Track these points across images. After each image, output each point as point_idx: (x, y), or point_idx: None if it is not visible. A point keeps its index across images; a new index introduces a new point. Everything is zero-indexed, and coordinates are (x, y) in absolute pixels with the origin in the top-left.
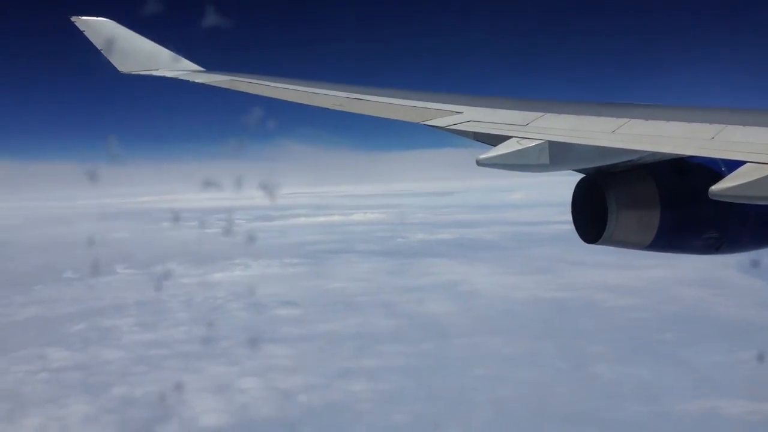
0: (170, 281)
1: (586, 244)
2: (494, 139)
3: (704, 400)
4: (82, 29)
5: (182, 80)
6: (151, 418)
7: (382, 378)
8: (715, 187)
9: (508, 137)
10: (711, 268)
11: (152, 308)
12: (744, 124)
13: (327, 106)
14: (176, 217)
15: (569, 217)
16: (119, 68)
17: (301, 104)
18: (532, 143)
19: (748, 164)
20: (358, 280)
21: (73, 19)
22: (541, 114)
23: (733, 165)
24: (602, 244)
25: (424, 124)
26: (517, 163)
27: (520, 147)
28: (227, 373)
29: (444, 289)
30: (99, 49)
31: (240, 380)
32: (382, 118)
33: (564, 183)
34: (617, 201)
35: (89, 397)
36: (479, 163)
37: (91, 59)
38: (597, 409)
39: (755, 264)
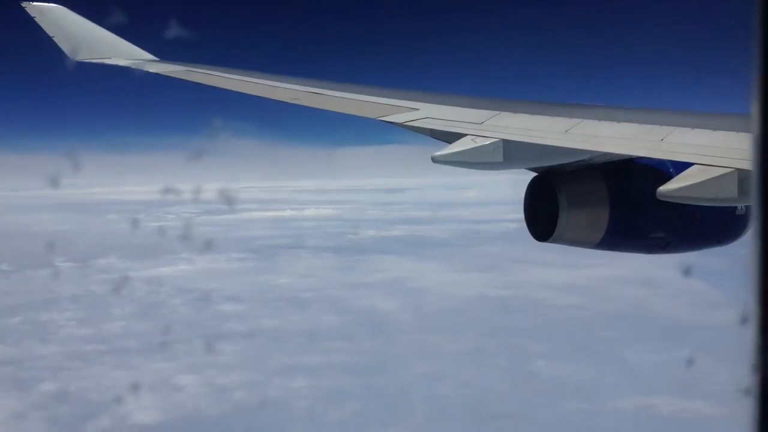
0: (112, 275)
1: (536, 241)
2: (450, 137)
3: (639, 397)
4: (33, 15)
5: (136, 69)
6: (82, 414)
7: (322, 375)
8: (663, 188)
9: (463, 135)
10: (654, 268)
11: (91, 302)
12: (692, 127)
13: (284, 99)
14: (122, 209)
15: (520, 215)
16: (71, 56)
17: (257, 97)
18: (487, 141)
19: (695, 166)
20: (305, 276)
21: (24, 4)
22: (497, 113)
23: (681, 166)
24: (553, 242)
25: (381, 120)
26: (472, 160)
27: (475, 145)
28: (164, 369)
29: (391, 287)
30: (51, 36)
31: (177, 377)
32: (339, 113)
33: (518, 181)
34: (568, 200)
35: (19, 392)
36: (435, 160)
37: (42, 47)
38: (533, 407)
39: (687, 272)
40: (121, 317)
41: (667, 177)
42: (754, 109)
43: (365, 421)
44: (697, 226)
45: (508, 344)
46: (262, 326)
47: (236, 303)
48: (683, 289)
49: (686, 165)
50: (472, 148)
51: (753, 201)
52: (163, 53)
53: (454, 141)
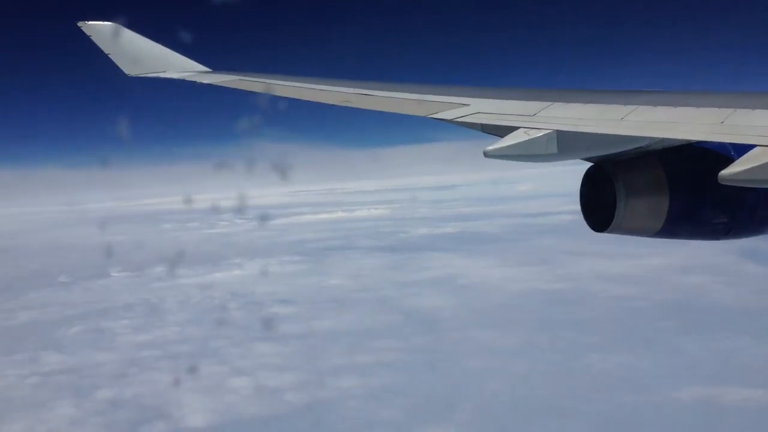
0: (167, 283)
1: (593, 232)
2: (502, 131)
3: (700, 388)
4: (89, 34)
5: (189, 81)
6: (138, 419)
7: (373, 374)
8: (725, 172)
9: (515, 128)
10: (712, 254)
11: (147, 310)
12: (753, 108)
13: (335, 103)
14: (177, 218)
15: (573, 207)
16: (126, 71)
17: (309, 101)
18: (540, 133)
19: (757, 148)
20: (356, 277)
21: (80, 24)
22: (549, 104)
23: (743, 149)
24: (611, 232)
25: (432, 117)
26: (525, 153)
27: (528, 137)
28: (218, 372)
29: (442, 284)
30: (106, 53)
31: (230, 380)
32: (390, 113)
33: (572, 172)
34: (626, 188)
35: (78, 400)
36: (487, 154)
37: (99, 63)
38: (587, 401)
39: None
40: (176, 323)
41: (729, 160)
42: None
43: (416, 419)
44: (762, 209)
45: (562, 338)
46: (313, 327)
47: (288, 305)
48: (742, 275)
49: (748, 147)
50: (525, 141)
51: None
52: (215, 64)
53: (506, 135)
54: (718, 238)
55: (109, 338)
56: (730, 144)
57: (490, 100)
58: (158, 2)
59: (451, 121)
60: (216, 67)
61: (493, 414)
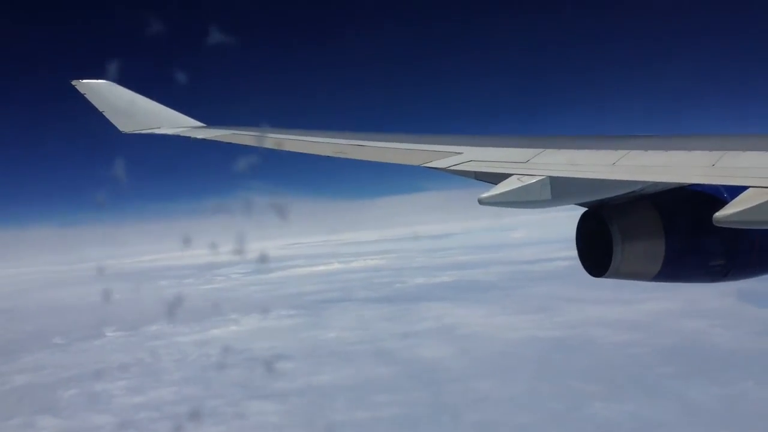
0: (163, 341)
1: (590, 278)
2: (495, 178)
3: None
4: (83, 92)
5: (184, 137)
6: None
7: (372, 430)
8: (719, 214)
9: (509, 175)
10: (710, 298)
11: (143, 370)
12: (743, 150)
13: (328, 154)
14: (172, 275)
15: (569, 254)
16: (121, 128)
17: (302, 154)
18: (534, 179)
19: (750, 189)
20: (354, 329)
21: (74, 82)
22: (541, 150)
23: (736, 191)
24: (609, 277)
25: (425, 167)
26: (519, 199)
27: (522, 184)
28: None
29: (440, 334)
30: (100, 110)
31: None
32: (383, 163)
33: (567, 218)
34: (622, 233)
35: None
36: (481, 202)
37: (93, 121)
38: None
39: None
40: (172, 383)
41: (722, 202)
42: None
43: None
44: (758, 250)
45: (563, 386)
46: (312, 382)
47: (286, 360)
48: (741, 318)
49: (741, 189)
50: (519, 188)
51: None
52: (208, 118)
53: (499, 182)
54: (716, 281)
55: (105, 400)
56: (723, 186)
57: (483, 148)
58: (152, 49)
59: (444, 170)
60: (210, 118)
61: None
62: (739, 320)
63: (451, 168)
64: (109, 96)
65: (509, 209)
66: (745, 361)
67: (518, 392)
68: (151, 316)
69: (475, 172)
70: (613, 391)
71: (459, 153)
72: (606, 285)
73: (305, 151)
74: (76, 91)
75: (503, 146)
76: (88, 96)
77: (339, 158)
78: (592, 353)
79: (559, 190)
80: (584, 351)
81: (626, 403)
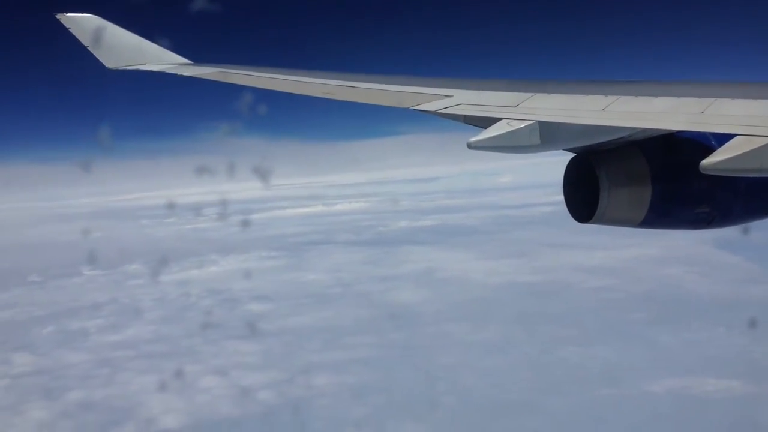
0: (143, 280)
1: (574, 223)
2: (485, 122)
3: (674, 380)
4: (67, 26)
5: (170, 74)
6: (108, 421)
7: (347, 371)
8: (706, 161)
9: (498, 119)
10: (688, 245)
11: (122, 309)
12: (733, 97)
13: (317, 95)
14: (155, 214)
15: (555, 199)
16: (106, 64)
17: (290, 94)
18: (523, 124)
19: (737, 137)
20: (334, 272)
21: (59, 16)
22: (531, 95)
23: (723, 138)
24: (594, 222)
25: (414, 109)
26: (508, 144)
27: (511, 128)
28: (191, 372)
29: (420, 278)
30: (85, 45)
31: (203, 379)
32: (372, 105)
33: (555, 163)
34: (609, 179)
35: (48, 402)
36: (470, 146)
37: (77, 56)
38: (561, 394)
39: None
40: (150, 322)
41: (710, 150)
42: None
43: (387, 416)
44: (743, 198)
45: (538, 331)
46: (289, 324)
47: (265, 302)
48: (717, 266)
49: (729, 137)
50: (508, 132)
51: None
52: (196, 56)
53: (489, 126)
54: (700, 228)
55: (82, 338)
56: (711, 134)
57: (473, 92)
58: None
59: (433, 113)
60: (197, 60)
61: (466, 410)
62: (715, 268)
63: (441, 111)
64: (94, 31)
65: (498, 154)
66: (718, 307)
67: (492, 336)
68: (131, 255)
69: (464, 116)
70: (586, 335)
71: (449, 96)
72: (589, 231)
73: (293, 91)
74: (61, 24)
75: (493, 90)
76: (72, 30)
77: (327, 99)
78: (568, 298)
79: (548, 135)
80: (561, 296)
81: (598, 347)
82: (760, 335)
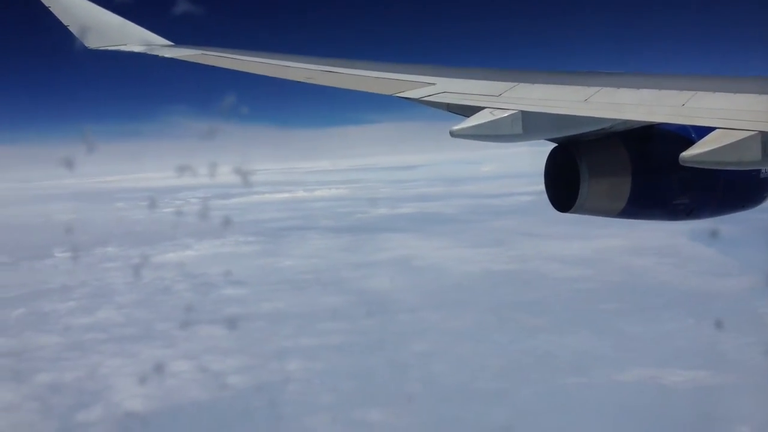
0: (116, 263)
1: (554, 213)
2: (468, 110)
3: (641, 369)
4: (48, 5)
5: (151, 55)
6: (76, 404)
7: (318, 357)
8: (686, 154)
9: (481, 108)
10: (664, 236)
11: (95, 291)
12: (713, 90)
13: (298, 79)
14: (132, 197)
15: (535, 188)
16: (87, 44)
17: (272, 79)
18: (506, 113)
19: (717, 130)
20: (311, 258)
21: None
22: (514, 84)
23: (703, 131)
24: (575, 212)
25: (397, 96)
26: (491, 133)
27: (494, 117)
28: (162, 356)
29: (396, 265)
30: (65, 24)
31: (174, 363)
32: (355, 91)
33: (536, 153)
34: (589, 169)
35: (16, 384)
36: (453, 134)
37: (59, 36)
38: (529, 382)
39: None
40: (123, 305)
41: (690, 142)
42: None
43: (355, 402)
44: (721, 191)
45: (510, 319)
46: (263, 309)
47: (240, 287)
48: (690, 257)
49: (708, 129)
50: (491, 121)
51: None
52: (176, 37)
53: (471, 114)
54: (679, 219)
55: (53, 320)
56: (692, 126)
57: (456, 80)
58: None
59: (416, 100)
60: (177, 41)
61: (433, 398)
62: (688, 259)
63: (424, 99)
64: (74, 9)
65: (480, 142)
66: (689, 299)
67: (465, 324)
68: (105, 237)
69: (447, 104)
70: (558, 324)
71: (432, 84)
72: (566, 221)
73: (275, 75)
74: (41, 3)
75: (476, 78)
76: (53, 9)
77: (310, 84)
78: (542, 287)
79: (530, 124)
80: (535, 285)
81: (569, 336)
82: (728, 327)
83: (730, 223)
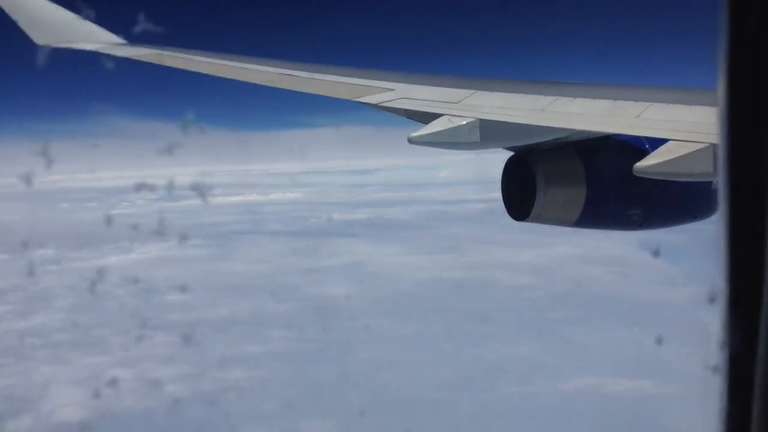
0: (55, 266)
1: (505, 221)
2: (426, 117)
3: (585, 378)
4: None
5: (104, 53)
6: (5, 412)
7: (261, 365)
8: (640, 164)
9: (439, 115)
10: (613, 246)
11: (31, 295)
12: (667, 102)
13: (257, 82)
14: (78, 198)
15: (489, 195)
16: (36, 41)
17: (230, 80)
18: (464, 121)
19: (670, 142)
20: (260, 263)
21: None
22: (473, 92)
23: (657, 142)
24: (531, 221)
25: (356, 101)
26: (449, 140)
27: (452, 125)
28: (98, 363)
29: (346, 271)
30: (15, 20)
31: (110, 371)
32: (313, 95)
33: (494, 160)
34: (545, 178)
35: None
36: (411, 141)
37: (5, 31)
38: (473, 391)
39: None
40: (60, 309)
41: (643, 153)
42: (720, 83)
43: (296, 412)
44: (674, 201)
45: (456, 327)
46: (206, 316)
47: (184, 292)
48: (637, 266)
49: (662, 141)
50: (449, 128)
51: (720, 177)
52: (131, 36)
53: (430, 121)
54: (632, 229)
55: None
56: (645, 137)
57: (415, 86)
58: None
59: (375, 106)
60: (132, 39)
61: (376, 407)
62: (636, 269)
63: (382, 104)
64: (26, 5)
65: (439, 149)
66: (635, 308)
67: (412, 332)
68: (46, 239)
69: (405, 110)
70: (505, 333)
71: (391, 90)
72: (521, 229)
73: (233, 77)
74: None
75: (435, 85)
76: (1, 3)
77: (267, 87)
78: (491, 295)
79: (488, 133)
80: (484, 293)
81: (515, 345)
82: (673, 337)
83: (678, 233)
